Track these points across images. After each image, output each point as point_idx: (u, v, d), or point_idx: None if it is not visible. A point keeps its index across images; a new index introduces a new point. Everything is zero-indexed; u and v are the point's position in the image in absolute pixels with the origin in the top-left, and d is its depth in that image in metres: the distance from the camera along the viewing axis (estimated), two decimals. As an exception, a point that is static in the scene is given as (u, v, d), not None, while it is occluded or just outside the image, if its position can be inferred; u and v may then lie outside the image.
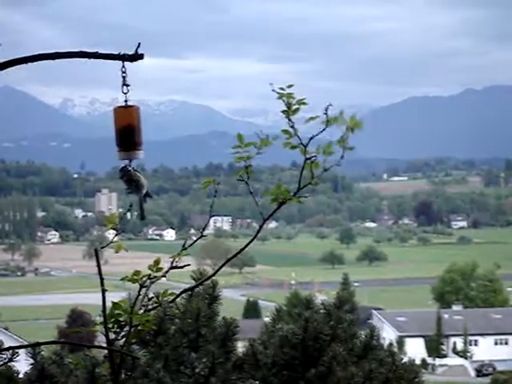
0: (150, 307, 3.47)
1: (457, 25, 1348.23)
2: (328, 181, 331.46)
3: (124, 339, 3.39)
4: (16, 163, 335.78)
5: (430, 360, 71.77)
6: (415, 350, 67.75)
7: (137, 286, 3.42)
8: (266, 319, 5.57)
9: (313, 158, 3.16)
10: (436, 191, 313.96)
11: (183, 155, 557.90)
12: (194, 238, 3.54)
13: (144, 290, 3.40)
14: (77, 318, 64.98)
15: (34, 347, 4.75)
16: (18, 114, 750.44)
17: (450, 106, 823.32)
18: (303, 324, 4.72)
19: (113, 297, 3.48)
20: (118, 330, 3.38)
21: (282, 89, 3.15)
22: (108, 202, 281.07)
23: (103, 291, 3.30)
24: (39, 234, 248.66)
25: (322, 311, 5.00)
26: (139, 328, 3.38)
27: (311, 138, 3.16)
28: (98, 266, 3.37)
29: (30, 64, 3.46)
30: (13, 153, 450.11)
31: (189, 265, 3.49)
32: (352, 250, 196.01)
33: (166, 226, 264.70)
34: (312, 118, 3.16)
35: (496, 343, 79.78)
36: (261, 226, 3.37)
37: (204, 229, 3.63)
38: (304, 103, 3.16)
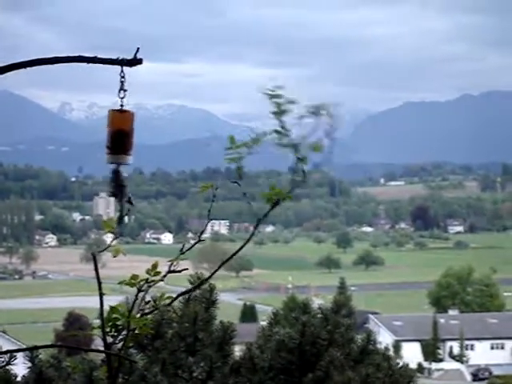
0: (147, 311, 3.48)
1: (454, 30, 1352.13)
2: (325, 185, 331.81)
3: (121, 343, 3.39)
4: (14, 167, 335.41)
5: (426, 364, 71.75)
6: (411, 354, 67.71)
7: (134, 289, 3.42)
8: (263, 323, 5.57)
9: (303, 158, 3.16)
10: (433, 196, 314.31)
11: (181, 159, 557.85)
12: (192, 242, 3.55)
13: (142, 293, 3.40)
14: (74, 321, 64.86)
15: (31, 350, 4.75)
16: (15, 118, 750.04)
17: (446, 111, 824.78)
18: (300, 328, 4.73)
19: (110, 300, 3.48)
20: (115, 333, 3.39)
21: (271, 90, 3.16)
22: (106, 206, 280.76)
23: (101, 295, 3.30)
24: (37, 237, 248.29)
25: (319, 315, 5.00)
26: (137, 332, 3.38)
27: (303, 138, 3.16)
28: (96, 270, 3.38)
29: (28, 68, 3.47)
30: (11, 156, 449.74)
31: (187, 269, 3.50)
32: (349, 255, 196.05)
33: (163, 229, 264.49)
34: (301, 117, 3.17)
35: (492, 347, 79.78)
36: (255, 227, 3.37)
37: (202, 233, 3.63)
38: (293, 102, 3.17)
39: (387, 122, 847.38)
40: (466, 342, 77.27)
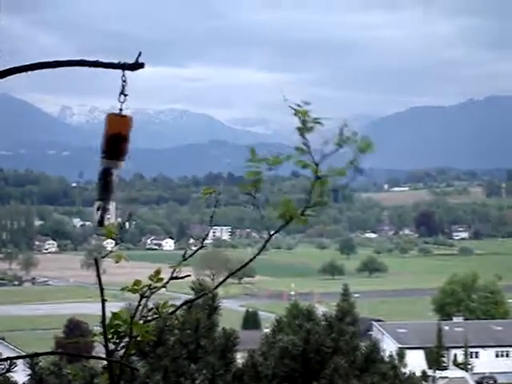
0: (149, 318, 3.43)
1: (459, 34, 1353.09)
2: (328, 191, 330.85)
3: (123, 350, 3.34)
4: (14, 172, 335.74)
5: (430, 372, 71.44)
6: (415, 362, 67.32)
7: (135, 296, 3.38)
8: (266, 330, 5.52)
9: (324, 177, 3.11)
10: (437, 202, 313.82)
11: (183, 164, 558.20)
12: (194, 248, 3.51)
13: (144, 300, 3.36)
14: (74, 328, 64.73)
15: (32, 358, 4.71)
16: (16, 122, 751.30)
17: (451, 116, 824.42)
18: (304, 336, 4.67)
19: (111, 307, 3.44)
20: (117, 340, 3.34)
21: (298, 105, 3.10)
22: (98, 211, 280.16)
23: (103, 301, 3.26)
24: (37, 243, 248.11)
25: (323, 323, 4.94)
26: (139, 339, 3.34)
27: (324, 157, 3.11)
28: (98, 275, 3.33)
29: (29, 72, 3.44)
30: (11, 161, 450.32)
31: (189, 275, 3.45)
32: (352, 261, 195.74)
33: (164, 235, 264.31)
34: (326, 143, 3.11)
35: (497, 355, 79.44)
36: (266, 241, 3.31)
37: (204, 239, 3.59)
38: (320, 123, 3.11)
39: (391, 127, 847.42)
40: (471, 350, 76.97)
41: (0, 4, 3.25)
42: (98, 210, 3.34)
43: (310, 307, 5.47)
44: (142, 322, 3.37)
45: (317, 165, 3.10)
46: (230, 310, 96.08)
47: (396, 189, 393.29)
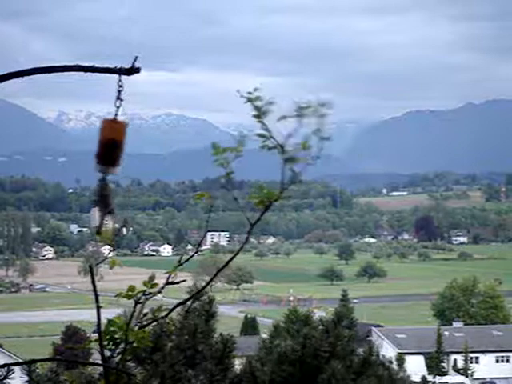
0: (145, 323, 3.42)
1: (457, 39, 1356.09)
2: (327, 196, 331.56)
3: (119, 356, 3.33)
4: (10, 178, 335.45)
5: (430, 378, 71.31)
6: (415, 367, 67.31)
7: (132, 302, 3.37)
8: (264, 336, 5.51)
9: (291, 159, 3.12)
10: (436, 206, 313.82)
11: (180, 170, 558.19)
12: (190, 254, 3.50)
13: (139, 306, 3.35)
14: (72, 334, 64.61)
15: (29, 364, 4.69)
16: (12, 128, 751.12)
17: (450, 120, 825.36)
18: (302, 341, 4.67)
19: (108, 313, 3.43)
20: (113, 346, 3.33)
21: (249, 93, 3.13)
22: (97, 217, 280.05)
23: (98, 308, 3.25)
24: (34, 249, 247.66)
25: (320, 328, 4.94)
26: (135, 345, 3.33)
27: (287, 137, 3.13)
28: (93, 282, 3.32)
29: (25, 77, 3.44)
30: (7, 167, 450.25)
31: (184, 280, 3.44)
32: (351, 266, 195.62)
33: (162, 241, 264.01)
34: (284, 117, 3.13)
35: (497, 361, 79.26)
36: (249, 232, 3.31)
37: (200, 244, 3.58)
38: (272, 103, 3.14)
39: (390, 131, 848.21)
40: (471, 355, 76.79)
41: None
42: (96, 217, 3.34)
43: (307, 313, 5.47)
44: (137, 328, 3.36)
45: (282, 146, 3.11)
46: (229, 315, 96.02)
47: (395, 193, 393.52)
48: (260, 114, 3.10)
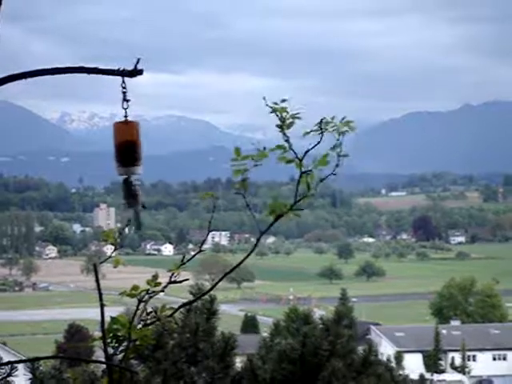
0: (148, 322, 3.47)
1: (455, 41, 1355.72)
2: (326, 196, 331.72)
3: (122, 354, 3.38)
4: (14, 178, 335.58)
5: (428, 375, 71.43)
6: (413, 365, 67.43)
7: (135, 300, 3.42)
8: (265, 334, 5.57)
9: (308, 171, 3.16)
10: (434, 206, 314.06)
11: (182, 170, 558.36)
12: (193, 253, 3.54)
13: (142, 304, 3.40)
14: (75, 333, 64.74)
15: (32, 362, 4.74)
16: (15, 129, 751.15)
17: (448, 122, 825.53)
18: (302, 339, 4.72)
19: (111, 312, 3.48)
20: (116, 344, 3.38)
21: (275, 103, 3.16)
22: (106, 217, 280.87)
23: (102, 306, 3.30)
24: (37, 248, 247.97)
25: (320, 326, 4.99)
26: (138, 343, 3.37)
27: (306, 152, 3.17)
28: (97, 280, 3.37)
29: (28, 79, 3.48)
30: (10, 167, 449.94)
31: (187, 279, 3.49)
32: (350, 265, 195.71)
33: (164, 241, 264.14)
34: (307, 133, 3.17)
35: (494, 359, 79.44)
36: (258, 240, 3.36)
37: (202, 244, 3.63)
38: (298, 117, 3.17)
39: (389, 132, 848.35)
40: (468, 353, 76.97)
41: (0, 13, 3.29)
42: (130, 219, 3.39)
43: (307, 311, 5.52)
44: (140, 326, 3.41)
45: (300, 160, 3.15)
46: (229, 314, 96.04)
47: (393, 194, 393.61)
48: (283, 125, 3.13)
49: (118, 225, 3.56)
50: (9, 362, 3.92)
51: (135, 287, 3.39)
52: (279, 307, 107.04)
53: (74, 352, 45.51)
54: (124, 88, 3.34)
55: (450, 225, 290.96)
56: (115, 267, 3.39)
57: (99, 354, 3.49)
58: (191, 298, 4.43)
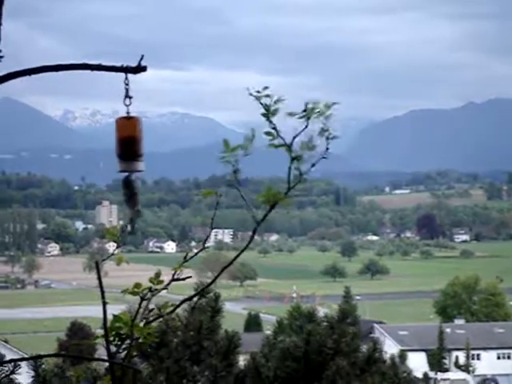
0: (151, 319, 3.45)
1: (459, 38, 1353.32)
2: (330, 194, 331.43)
3: (125, 352, 3.36)
4: (16, 175, 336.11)
5: (432, 374, 71.39)
6: (417, 364, 67.37)
7: (137, 298, 3.40)
8: (268, 332, 5.55)
9: (298, 157, 3.14)
10: (438, 204, 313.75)
11: (184, 167, 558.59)
12: (195, 251, 3.53)
13: (145, 302, 3.38)
14: (77, 330, 64.84)
15: (35, 360, 4.73)
16: (18, 126, 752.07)
17: (452, 119, 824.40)
18: (306, 337, 4.70)
19: (113, 309, 3.46)
20: (119, 342, 3.36)
21: (258, 92, 3.15)
22: (108, 215, 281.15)
23: (104, 304, 3.28)
24: (39, 246, 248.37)
25: (324, 324, 4.97)
26: (141, 341, 3.36)
27: (294, 137, 3.15)
28: (99, 278, 3.35)
29: (31, 75, 3.46)
30: (13, 164, 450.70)
31: (190, 277, 3.47)
32: (354, 263, 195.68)
33: (166, 238, 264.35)
34: (291, 114, 3.14)
35: (499, 357, 79.38)
36: (254, 231, 3.34)
37: (205, 241, 3.61)
38: (281, 100, 3.15)
39: (392, 130, 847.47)
40: (472, 352, 76.91)
41: (2, 9, 3.27)
42: (131, 218, 3.37)
43: (311, 309, 5.49)
44: (143, 323, 3.39)
45: (289, 146, 3.14)
46: (233, 312, 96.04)
47: (397, 191, 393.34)
48: (268, 113, 3.13)
49: (121, 222, 3.50)
50: (11, 360, 3.91)
51: (138, 285, 3.37)
52: (282, 305, 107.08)
53: (76, 350, 45.56)
54: (127, 85, 3.32)
55: (455, 223, 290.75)
56: (118, 265, 3.37)
57: (101, 352, 3.47)
58: (193, 294, 4.41)
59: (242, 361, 5.00)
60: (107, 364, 3.55)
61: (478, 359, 78.15)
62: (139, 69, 3.38)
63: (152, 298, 3.38)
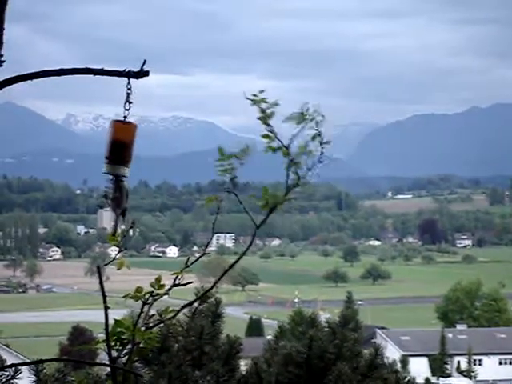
0: (152, 324, 3.45)
1: (462, 42, 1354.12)
2: (332, 198, 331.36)
3: (127, 357, 3.35)
4: (18, 179, 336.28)
5: (433, 379, 71.26)
6: (419, 369, 67.30)
7: (139, 303, 3.39)
8: (270, 337, 5.53)
9: (295, 161, 3.14)
10: (441, 209, 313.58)
11: (186, 172, 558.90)
12: (197, 255, 3.52)
13: (147, 307, 3.37)
14: (79, 335, 64.80)
15: (36, 364, 4.72)
16: (20, 130, 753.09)
17: (454, 124, 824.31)
18: (307, 342, 4.69)
19: (115, 314, 3.45)
20: (120, 347, 3.35)
21: (254, 95, 3.15)
22: (110, 219, 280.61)
23: (106, 308, 3.27)
24: (41, 250, 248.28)
25: (326, 329, 4.96)
26: (142, 346, 3.35)
27: (291, 140, 3.15)
28: (101, 282, 3.35)
29: (34, 80, 3.46)
30: (15, 168, 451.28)
31: (191, 282, 3.47)
32: (356, 268, 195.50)
33: (168, 243, 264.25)
34: (289, 119, 3.15)
35: (500, 363, 79.24)
36: (254, 235, 3.33)
37: (207, 246, 3.60)
38: (277, 104, 3.16)
39: (395, 134, 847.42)
40: (474, 357, 76.79)
41: (4, 14, 3.28)
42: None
43: (313, 314, 5.48)
44: (144, 328, 3.39)
45: (287, 148, 3.14)
46: (234, 317, 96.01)
47: (399, 196, 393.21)
48: (265, 116, 3.13)
49: (123, 227, 3.51)
50: (13, 365, 3.90)
51: (139, 289, 3.37)
52: (284, 310, 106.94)
53: (77, 354, 45.54)
54: (129, 89, 3.32)
55: (457, 228, 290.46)
56: (119, 269, 3.37)
57: (103, 357, 3.46)
58: (195, 299, 4.40)
59: (243, 366, 4.99)
60: (109, 369, 3.54)
61: (480, 364, 78.00)
62: (142, 73, 3.38)
63: (154, 302, 3.37)
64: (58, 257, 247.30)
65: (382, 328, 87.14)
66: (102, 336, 3.41)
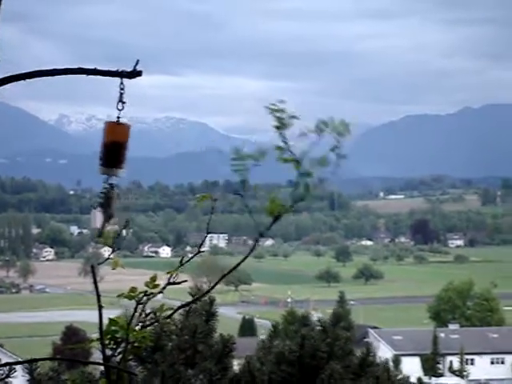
0: (146, 323, 3.46)
1: (454, 43, 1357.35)
2: (324, 199, 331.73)
3: (120, 355, 3.37)
4: (11, 179, 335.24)
5: (425, 379, 71.34)
6: (411, 368, 67.38)
7: (133, 303, 3.42)
8: (262, 336, 5.56)
9: (308, 173, 3.15)
10: (433, 209, 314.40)
11: (179, 172, 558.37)
12: (190, 255, 3.54)
13: (140, 306, 3.39)
14: (72, 335, 64.71)
15: (30, 363, 4.73)
16: (13, 131, 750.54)
17: (447, 125, 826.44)
18: (300, 341, 4.72)
19: (108, 314, 3.47)
20: (114, 346, 3.37)
21: (273, 104, 3.17)
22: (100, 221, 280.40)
23: (100, 308, 3.29)
24: (34, 250, 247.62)
25: (318, 328, 5.00)
26: (136, 344, 3.37)
27: (305, 153, 3.16)
28: (95, 282, 3.37)
29: (26, 80, 3.47)
30: (8, 169, 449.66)
31: (186, 281, 3.49)
32: (348, 268, 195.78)
33: (161, 243, 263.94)
34: (304, 134, 3.16)
35: (492, 362, 79.49)
36: (256, 241, 3.35)
37: (200, 246, 3.62)
38: (296, 117, 3.17)
39: (387, 135, 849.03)
40: (466, 357, 77.00)
41: None
42: (98, 220, 3.39)
43: (305, 313, 5.52)
44: (138, 327, 3.41)
45: (298, 161, 3.15)
46: (227, 317, 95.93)
47: (392, 197, 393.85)
48: (281, 126, 3.13)
49: (116, 227, 3.53)
50: (7, 364, 3.92)
51: (133, 289, 3.39)
52: (277, 310, 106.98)
53: (71, 354, 45.47)
54: (122, 89, 3.33)
55: (449, 228, 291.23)
56: (113, 269, 3.39)
57: (97, 356, 3.48)
58: (190, 300, 4.42)
59: (236, 365, 5.02)
60: (102, 367, 3.56)
61: (472, 364, 78.24)
62: (135, 73, 3.39)
63: (147, 302, 3.39)
64: (51, 257, 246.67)
65: (375, 328, 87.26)
66: (95, 336, 3.43)
